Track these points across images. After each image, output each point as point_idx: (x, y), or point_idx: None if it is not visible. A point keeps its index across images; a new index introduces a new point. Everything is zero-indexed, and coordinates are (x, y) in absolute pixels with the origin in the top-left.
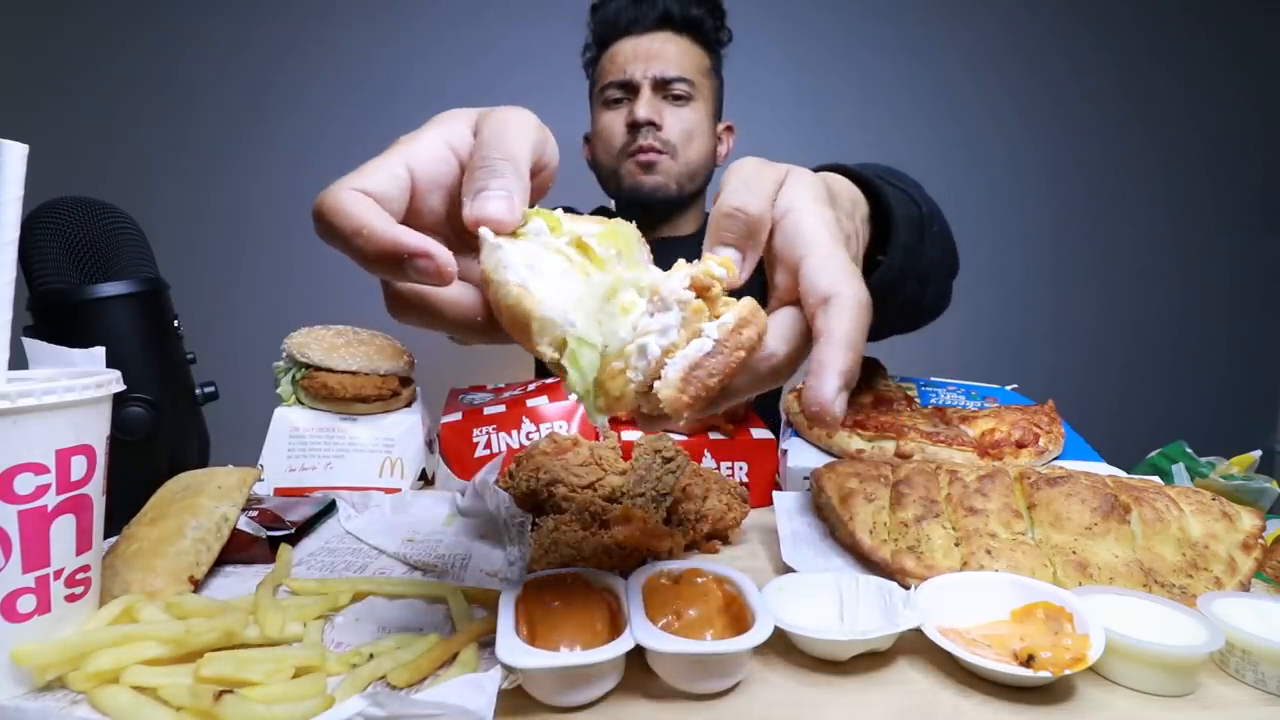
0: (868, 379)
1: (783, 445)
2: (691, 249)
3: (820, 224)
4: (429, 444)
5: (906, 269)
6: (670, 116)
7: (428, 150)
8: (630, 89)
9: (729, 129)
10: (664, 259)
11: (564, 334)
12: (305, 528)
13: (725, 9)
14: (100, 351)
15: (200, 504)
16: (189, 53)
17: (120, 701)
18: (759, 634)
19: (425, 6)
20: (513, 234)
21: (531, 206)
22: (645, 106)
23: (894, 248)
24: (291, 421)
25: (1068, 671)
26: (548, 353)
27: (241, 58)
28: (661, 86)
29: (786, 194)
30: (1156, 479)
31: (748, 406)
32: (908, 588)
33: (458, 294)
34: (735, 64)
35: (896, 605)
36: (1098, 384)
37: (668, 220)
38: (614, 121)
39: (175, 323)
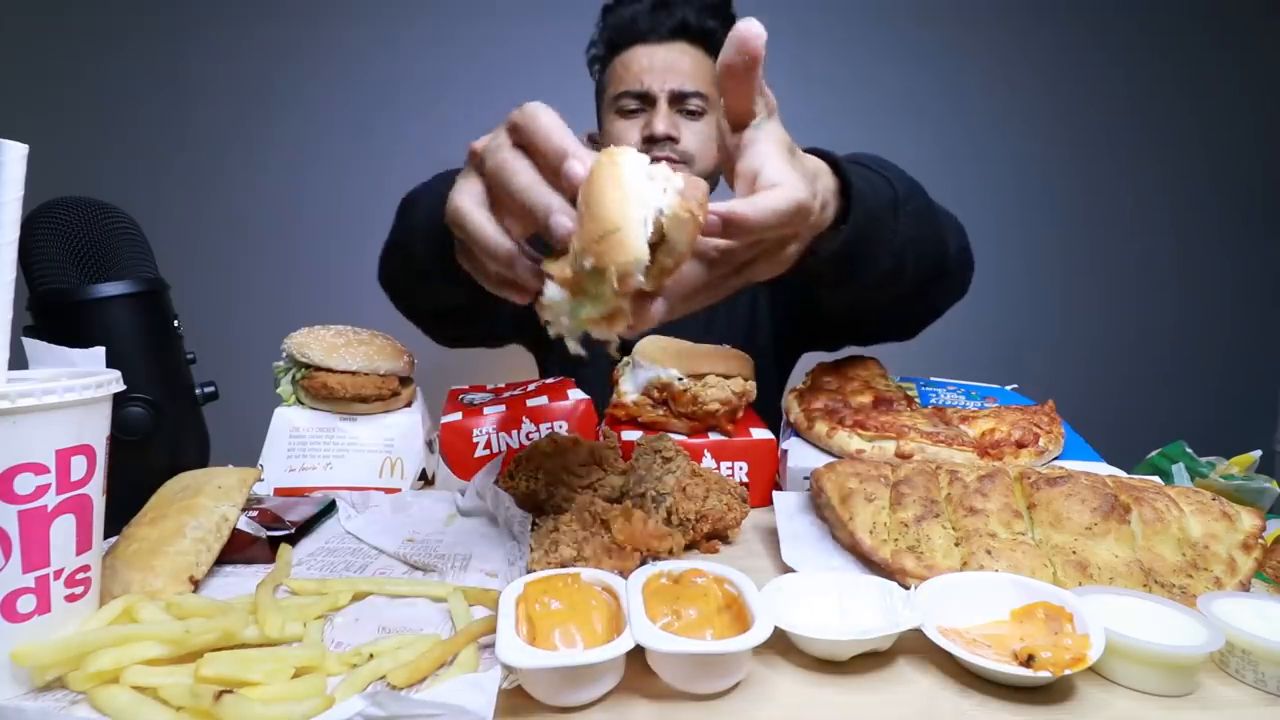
0: (868, 379)
1: (783, 445)
2: None
3: (777, 148)
4: (429, 444)
5: (873, 238)
6: (686, 130)
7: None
8: (647, 100)
9: None
10: None
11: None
12: (305, 528)
13: (735, 17)
14: (100, 351)
15: (200, 504)
16: (189, 53)
17: (120, 701)
18: (759, 634)
19: (426, 6)
20: None
21: None
22: (664, 121)
23: (855, 210)
24: (291, 421)
25: (1068, 671)
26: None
27: (241, 58)
28: (678, 100)
29: (750, 133)
30: (1156, 479)
31: (748, 407)
32: (908, 588)
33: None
34: None
35: (896, 605)
36: (1098, 384)
37: None
38: (628, 132)
39: (175, 323)
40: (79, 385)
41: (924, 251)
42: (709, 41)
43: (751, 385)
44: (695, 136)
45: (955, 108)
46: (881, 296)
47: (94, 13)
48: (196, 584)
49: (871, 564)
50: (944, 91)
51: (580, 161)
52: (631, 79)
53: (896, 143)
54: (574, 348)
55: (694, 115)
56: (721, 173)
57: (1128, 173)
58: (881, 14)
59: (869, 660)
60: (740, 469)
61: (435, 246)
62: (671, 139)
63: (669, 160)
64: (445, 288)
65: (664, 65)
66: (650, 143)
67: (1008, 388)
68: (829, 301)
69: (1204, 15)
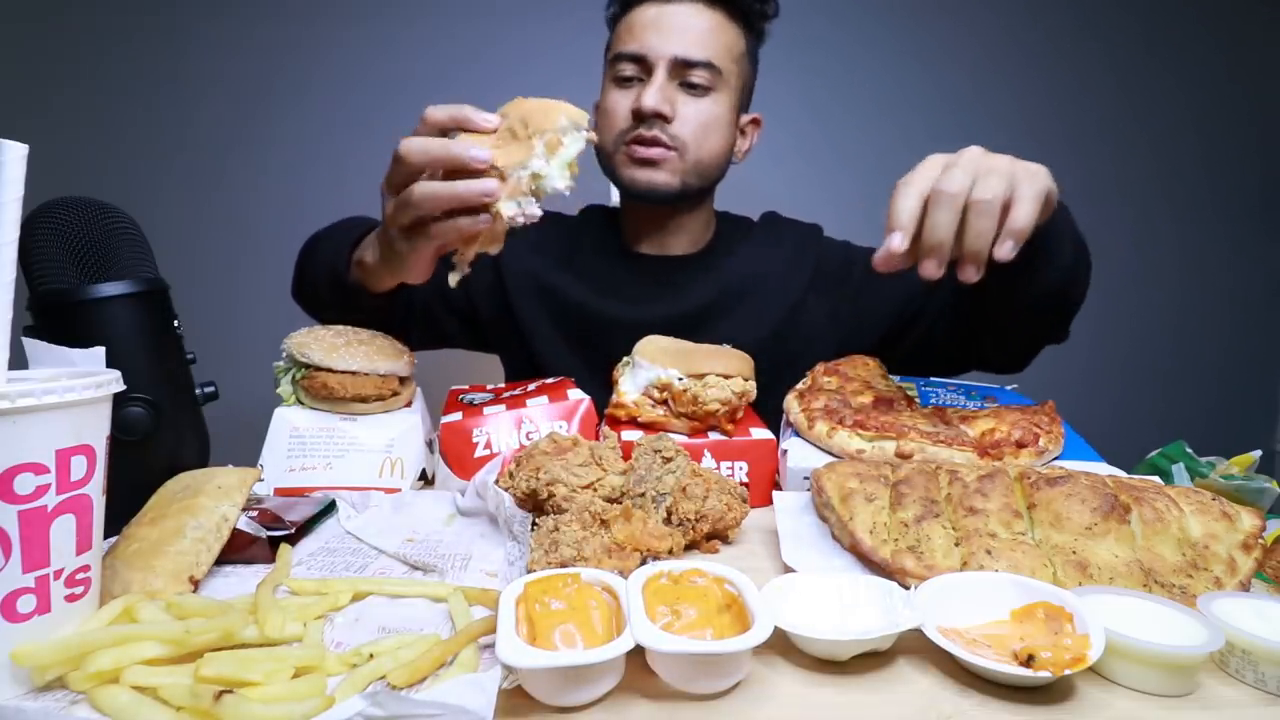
0: (868, 379)
1: (783, 445)
2: (684, 268)
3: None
4: (429, 444)
5: (1060, 226)
6: (684, 107)
7: None
8: (644, 65)
9: (755, 122)
10: (655, 279)
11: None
12: (305, 528)
13: None
14: (100, 351)
15: (200, 504)
16: (189, 53)
17: (120, 701)
18: (759, 634)
19: (426, 6)
20: None
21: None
22: (655, 94)
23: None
24: (291, 421)
25: (1068, 671)
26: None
27: (241, 58)
28: (680, 70)
29: None
30: (1156, 479)
31: (748, 407)
32: (908, 588)
33: None
34: None
35: (896, 605)
36: (1098, 384)
37: (664, 226)
38: (619, 102)
39: (175, 323)
40: (79, 385)
41: (1085, 255)
42: (734, 3)
43: (751, 385)
44: (694, 117)
45: (950, 106)
46: (1058, 295)
47: (94, 13)
48: (196, 584)
49: (871, 564)
50: (939, 90)
51: (477, 147)
52: (631, 40)
53: (889, 141)
54: (536, 211)
55: (697, 90)
56: (729, 164)
57: (1126, 174)
58: (873, 10)
59: (869, 660)
60: (740, 469)
61: (335, 280)
62: (662, 117)
63: (653, 144)
64: (349, 315)
65: (669, 25)
66: (637, 119)
67: (1007, 388)
68: (1001, 305)
69: (1203, 16)
